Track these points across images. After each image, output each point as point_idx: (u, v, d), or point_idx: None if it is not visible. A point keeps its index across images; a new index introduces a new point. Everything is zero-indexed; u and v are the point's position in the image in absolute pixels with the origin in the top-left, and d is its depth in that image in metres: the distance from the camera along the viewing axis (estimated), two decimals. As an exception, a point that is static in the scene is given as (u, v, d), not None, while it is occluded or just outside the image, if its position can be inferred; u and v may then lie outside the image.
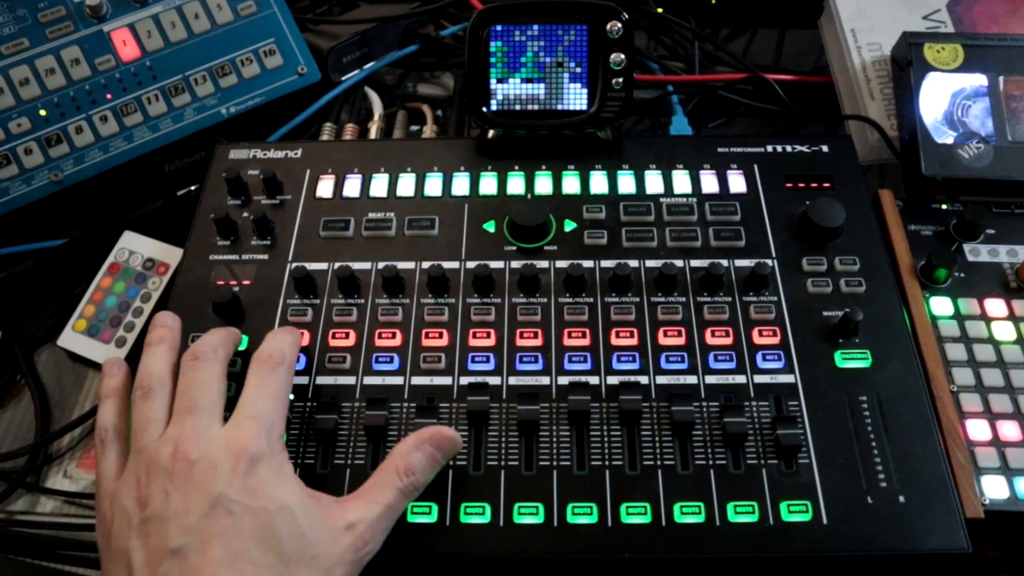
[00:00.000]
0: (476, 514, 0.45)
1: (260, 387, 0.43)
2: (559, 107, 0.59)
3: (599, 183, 0.58)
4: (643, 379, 0.49)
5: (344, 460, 0.47)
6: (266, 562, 0.38)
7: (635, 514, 0.44)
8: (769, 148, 0.60)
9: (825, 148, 0.60)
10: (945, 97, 0.60)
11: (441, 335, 0.51)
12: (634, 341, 0.50)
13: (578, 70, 0.58)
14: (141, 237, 0.63)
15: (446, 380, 0.49)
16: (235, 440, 0.41)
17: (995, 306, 0.54)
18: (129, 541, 0.38)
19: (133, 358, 0.59)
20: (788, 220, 0.56)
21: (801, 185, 0.58)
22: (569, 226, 0.56)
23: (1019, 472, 0.47)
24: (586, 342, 0.50)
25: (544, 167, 0.59)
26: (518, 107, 0.59)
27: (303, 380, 0.50)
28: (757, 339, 0.50)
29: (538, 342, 0.50)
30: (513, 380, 0.49)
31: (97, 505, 0.42)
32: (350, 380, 0.50)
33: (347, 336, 0.51)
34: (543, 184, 0.58)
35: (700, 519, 0.44)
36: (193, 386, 0.43)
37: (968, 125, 0.59)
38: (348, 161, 0.60)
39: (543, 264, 0.54)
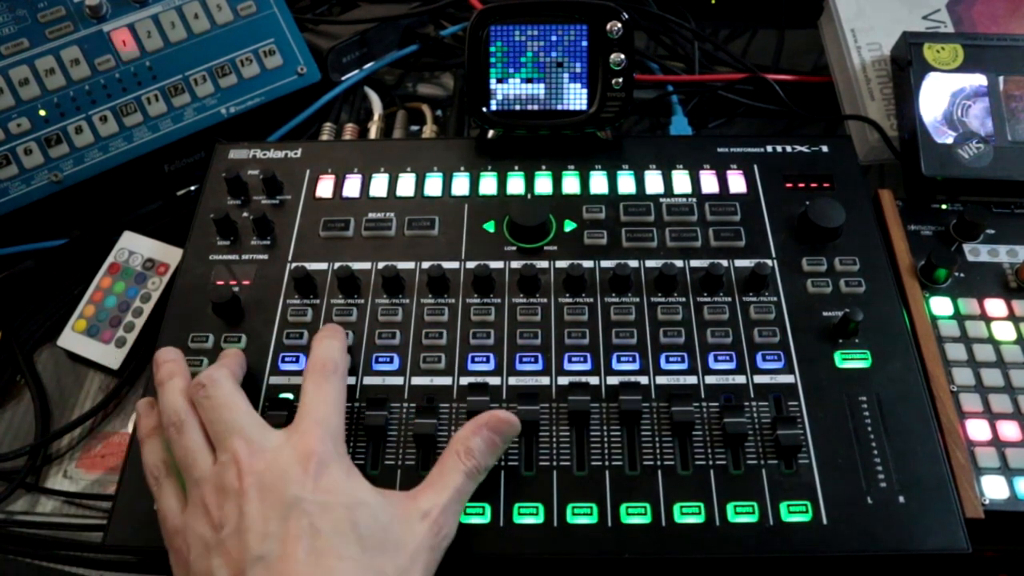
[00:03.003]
0: (476, 514, 0.45)
1: (318, 394, 0.44)
2: (559, 107, 0.58)
3: (599, 183, 0.58)
4: (643, 379, 0.49)
5: (344, 460, 0.47)
6: (351, 555, 0.38)
7: (635, 514, 0.44)
8: (769, 148, 0.60)
9: (825, 148, 0.60)
10: (945, 97, 0.60)
11: (441, 335, 0.51)
12: (634, 341, 0.50)
13: (578, 70, 0.58)
14: (141, 237, 0.63)
15: (446, 380, 0.49)
16: (301, 444, 0.41)
17: (995, 306, 0.54)
18: (211, 562, 0.38)
19: (133, 358, 0.59)
20: (788, 220, 0.56)
21: (801, 185, 0.58)
22: (569, 226, 0.56)
23: (1019, 472, 0.47)
24: (586, 342, 0.50)
25: (544, 167, 0.59)
26: (518, 107, 0.59)
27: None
28: (757, 339, 0.50)
29: (538, 342, 0.50)
30: (513, 380, 0.49)
31: (168, 543, 0.41)
32: (350, 380, 0.50)
33: (347, 336, 0.51)
34: (543, 184, 0.58)
35: (700, 519, 0.44)
36: (218, 410, 0.43)
37: (968, 125, 0.59)
38: (348, 161, 0.60)
39: (543, 264, 0.54)
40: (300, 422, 0.43)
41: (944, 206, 0.59)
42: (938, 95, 0.60)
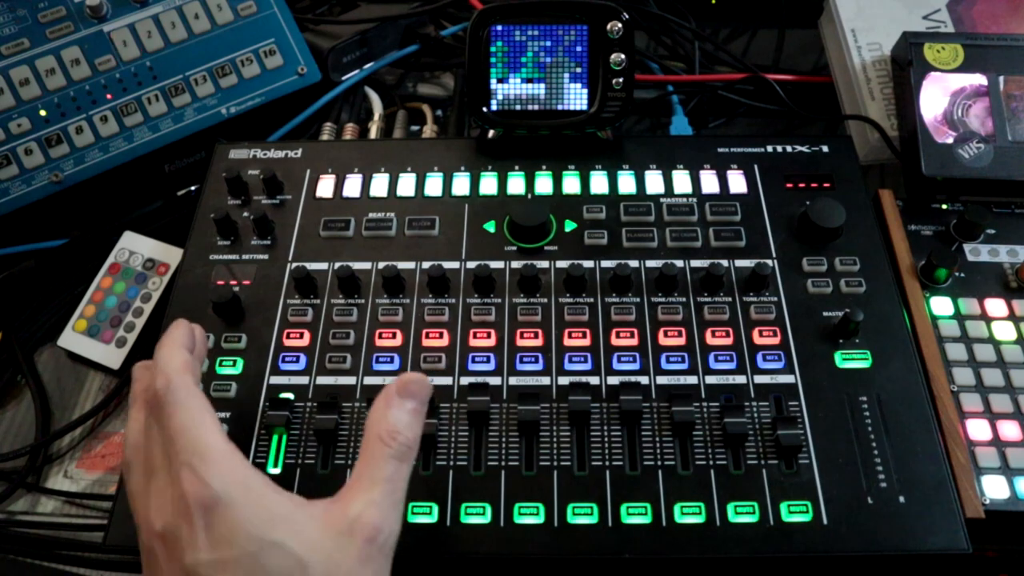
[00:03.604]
0: (476, 514, 0.45)
1: (169, 423, 0.37)
2: (559, 107, 0.58)
3: (599, 183, 0.58)
4: (643, 379, 0.49)
5: (344, 460, 0.47)
6: None
7: (635, 514, 0.44)
8: (769, 148, 0.60)
9: (825, 148, 0.60)
10: (945, 97, 0.60)
11: (441, 335, 0.51)
12: (634, 341, 0.50)
13: (578, 70, 0.58)
14: (141, 237, 0.63)
15: (446, 380, 0.49)
16: (178, 492, 0.35)
17: (995, 306, 0.54)
18: None
19: (134, 359, 0.59)
20: (788, 220, 0.56)
21: (801, 185, 0.58)
22: (569, 226, 0.56)
23: (1019, 472, 0.47)
24: (586, 342, 0.50)
25: (544, 167, 0.59)
26: (518, 107, 0.59)
27: (304, 380, 0.50)
28: (757, 339, 0.50)
29: (538, 342, 0.50)
30: (513, 380, 0.49)
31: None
32: (350, 380, 0.50)
33: (347, 336, 0.51)
34: (543, 184, 0.58)
35: (700, 519, 0.44)
36: (152, 445, 0.38)
37: (968, 125, 0.59)
38: (348, 161, 0.60)
39: (543, 264, 0.54)
40: (170, 466, 0.36)
41: (944, 206, 0.59)
42: (938, 95, 0.60)
